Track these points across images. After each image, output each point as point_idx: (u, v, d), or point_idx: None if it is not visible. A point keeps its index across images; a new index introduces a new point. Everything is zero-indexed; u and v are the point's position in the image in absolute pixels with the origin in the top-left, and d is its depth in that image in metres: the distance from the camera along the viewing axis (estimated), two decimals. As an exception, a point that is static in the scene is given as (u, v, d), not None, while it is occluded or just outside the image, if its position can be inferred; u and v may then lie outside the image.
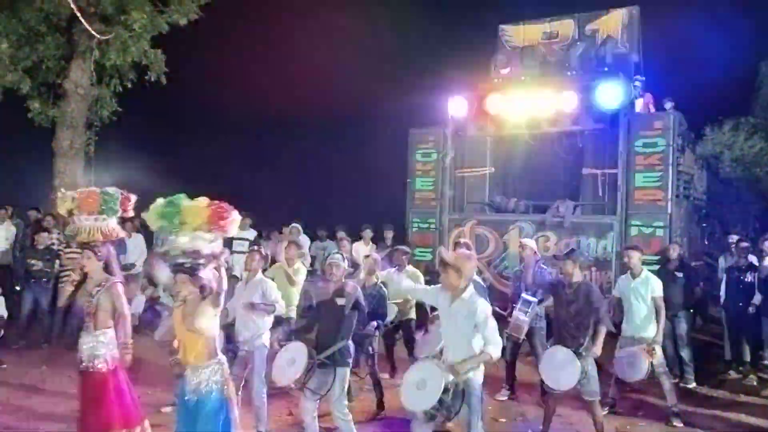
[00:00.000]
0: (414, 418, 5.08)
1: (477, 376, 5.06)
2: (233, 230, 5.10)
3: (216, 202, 4.99)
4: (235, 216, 5.08)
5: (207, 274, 4.76)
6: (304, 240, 12.09)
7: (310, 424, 5.77)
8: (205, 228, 4.84)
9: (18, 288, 10.36)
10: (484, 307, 5.02)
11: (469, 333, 4.99)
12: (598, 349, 6.13)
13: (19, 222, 11.63)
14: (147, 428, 5.40)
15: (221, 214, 4.91)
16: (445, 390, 4.73)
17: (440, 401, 4.72)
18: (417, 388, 4.86)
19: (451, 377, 4.81)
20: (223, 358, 4.80)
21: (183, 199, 4.90)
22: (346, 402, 5.80)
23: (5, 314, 9.62)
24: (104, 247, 5.43)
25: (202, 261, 4.77)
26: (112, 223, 5.52)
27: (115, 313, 5.31)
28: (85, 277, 5.46)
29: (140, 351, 9.20)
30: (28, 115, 12.40)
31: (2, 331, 9.47)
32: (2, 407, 7.17)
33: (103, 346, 5.24)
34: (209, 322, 4.68)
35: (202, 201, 4.94)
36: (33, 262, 10.01)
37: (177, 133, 18.58)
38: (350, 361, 5.82)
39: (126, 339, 5.33)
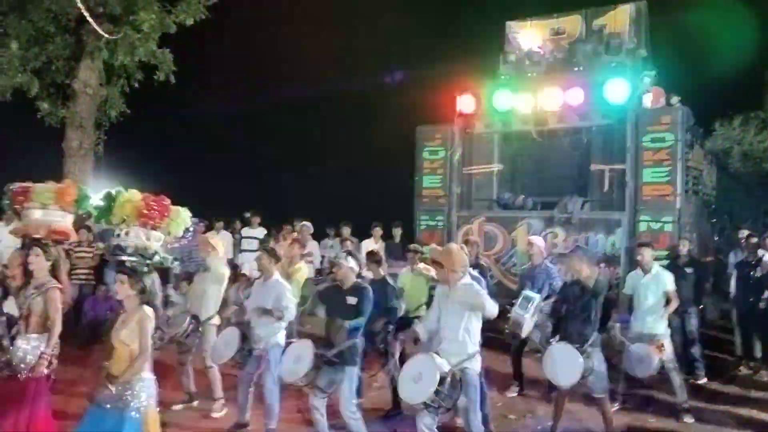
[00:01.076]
0: (418, 411, 5.13)
1: (474, 366, 5.18)
2: (176, 229, 5.02)
3: (150, 195, 4.92)
4: (177, 213, 4.95)
5: (149, 279, 4.59)
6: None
7: (319, 421, 5.80)
8: (134, 222, 4.78)
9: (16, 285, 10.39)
10: (476, 288, 5.27)
11: (461, 318, 5.15)
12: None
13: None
14: None
15: (155, 208, 4.81)
16: (442, 381, 4.82)
17: (437, 392, 4.80)
18: (414, 382, 4.96)
19: (446, 368, 4.90)
20: (148, 377, 4.52)
21: (120, 192, 4.86)
22: (355, 401, 5.81)
23: (17, 313, 9.69)
24: (55, 249, 5.15)
25: (148, 263, 4.69)
26: (65, 222, 5.26)
27: (47, 320, 4.99)
28: (30, 276, 5.15)
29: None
30: (38, 115, 12.47)
31: (14, 330, 9.54)
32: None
33: (32, 353, 4.92)
34: (135, 334, 4.42)
35: (135, 193, 4.88)
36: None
37: (185, 133, 18.64)
38: (359, 359, 5.84)
39: (48, 348, 4.94)
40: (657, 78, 11.65)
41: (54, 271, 5.12)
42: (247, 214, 12.94)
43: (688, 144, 10.11)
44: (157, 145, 17.44)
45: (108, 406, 4.36)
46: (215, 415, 7.01)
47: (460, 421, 6.13)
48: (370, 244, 11.40)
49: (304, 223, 11.80)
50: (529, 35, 12.04)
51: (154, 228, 4.85)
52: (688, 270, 8.69)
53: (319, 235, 12.71)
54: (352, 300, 5.83)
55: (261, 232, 12.62)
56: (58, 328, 5.00)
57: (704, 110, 12.99)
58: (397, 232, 11.94)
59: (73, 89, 12.50)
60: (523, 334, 7.25)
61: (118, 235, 4.85)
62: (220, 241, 10.88)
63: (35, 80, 12.02)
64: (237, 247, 12.66)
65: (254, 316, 6.51)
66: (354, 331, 5.78)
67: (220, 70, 18.99)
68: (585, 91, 10.36)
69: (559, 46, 11.65)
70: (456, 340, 5.16)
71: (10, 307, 9.42)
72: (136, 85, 13.07)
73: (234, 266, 11.84)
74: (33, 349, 4.93)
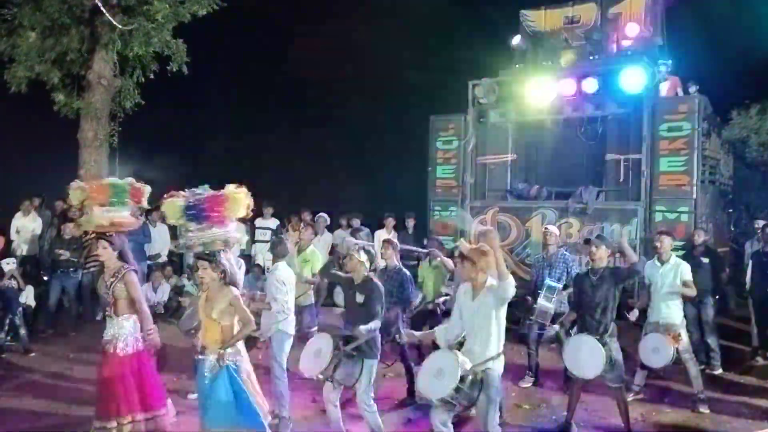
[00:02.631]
0: (433, 406, 5.10)
1: (497, 367, 5.07)
2: (240, 211, 5.20)
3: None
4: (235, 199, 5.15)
5: (226, 259, 5.05)
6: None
7: (332, 412, 5.81)
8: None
9: (45, 278, 10.52)
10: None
11: (488, 320, 5.03)
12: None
13: (46, 213, 11.81)
14: (168, 412, 5.51)
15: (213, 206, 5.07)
16: (463, 379, 4.76)
17: (457, 390, 4.74)
18: (434, 377, 4.89)
19: (468, 366, 4.83)
20: (241, 347, 5.11)
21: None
22: (372, 393, 5.81)
23: (33, 303, 9.80)
24: (118, 237, 5.47)
25: (221, 247, 5.04)
26: (125, 214, 5.54)
27: (132, 300, 5.37)
28: (102, 266, 5.55)
29: (165, 338, 9.39)
30: (54, 107, 12.53)
31: (31, 320, 9.65)
32: (30, 394, 7.31)
33: (125, 331, 5.32)
34: (226, 310, 4.95)
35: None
36: (60, 251, 10.16)
37: (199, 123, 18.69)
38: (377, 352, 5.82)
39: (147, 324, 5.37)
40: (673, 66, 11.55)
41: (122, 257, 5.47)
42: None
43: (705, 133, 10.02)
44: (171, 136, 17.48)
45: (208, 374, 4.95)
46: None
47: (473, 412, 6.12)
48: (382, 235, 11.41)
49: (321, 214, 11.83)
50: (543, 23, 11.95)
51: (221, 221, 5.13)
52: (704, 260, 8.62)
53: (332, 226, 12.74)
54: (359, 298, 5.81)
55: (273, 222, 12.65)
56: (143, 304, 5.44)
57: (721, 99, 12.84)
58: (410, 223, 11.91)
59: (88, 80, 12.54)
60: (548, 324, 7.26)
61: (189, 231, 5.05)
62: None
63: (55, 70, 12.08)
64: (250, 238, 12.69)
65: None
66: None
67: (234, 60, 18.97)
68: (600, 80, 10.29)
69: (574, 34, 11.55)
70: (481, 341, 5.04)
71: (27, 298, 9.61)
72: (151, 76, 13.09)
73: (247, 257, 11.89)
74: (124, 329, 5.32)
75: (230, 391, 4.90)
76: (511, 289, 4.93)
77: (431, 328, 8.07)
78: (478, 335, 5.09)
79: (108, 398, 5.22)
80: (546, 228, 8.44)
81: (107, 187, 5.49)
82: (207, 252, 4.98)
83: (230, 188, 5.21)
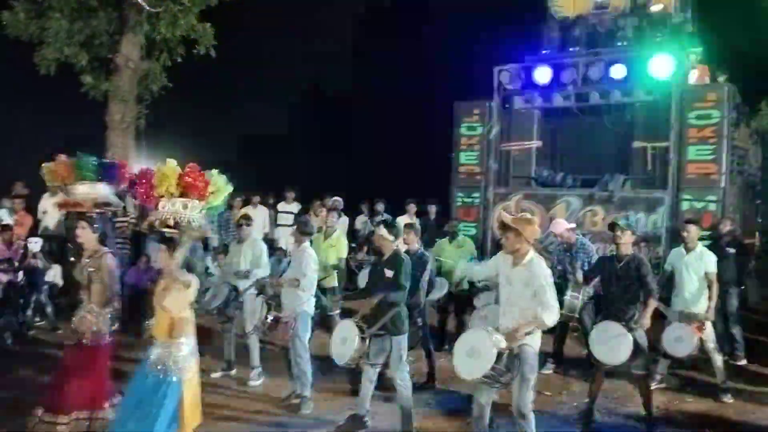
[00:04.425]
0: (474, 387, 5.09)
1: (533, 344, 4.96)
2: (217, 200, 5.00)
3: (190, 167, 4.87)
4: (215, 185, 4.94)
5: (189, 247, 4.69)
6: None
7: (366, 387, 5.88)
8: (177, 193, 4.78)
9: (72, 258, 10.62)
10: (544, 272, 4.93)
11: (526, 299, 4.91)
12: (647, 321, 6.01)
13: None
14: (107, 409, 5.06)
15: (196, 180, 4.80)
16: (499, 357, 4.69)
17: (494, 368, 4.69)
18: (468, 357, 4.83)
19: (503, 344, 4.74)
20: (188, 341, 4.64)
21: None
22: (407, 368, 5.85)
23: (61, 282, 9.94)
24: (99, 218, 5.27)
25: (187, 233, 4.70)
26: (104, 192, 5.33)
27: (106, 287, 5.11)
28: (81, 248, 5.26)
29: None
30: (82, 89, 12.65)
31: (58, 299, 9.80)
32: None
33: (95, 321, 5.05)
34: (177, 301, 4.55)
35: (172, 167, 4.81)
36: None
37: (225, 108, 18.76)
38: (403, 328, 5.81)
39: (107, 309, 5.09)
40: (703, 54, 11.37)
41: (102, 240, 5.24)
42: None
43: (734, 122, 9.87)
44: (198, 120, 17.58)
45: (150, 370, 4.53)
46: (252, 383, 7.13)
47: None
48: (404, 221, 11.40)
49: (336, 198, 11.85)
50: (572, 9, 11.80)
51: (200, 199, 4.87)
52: (730, 250, 8.49)
53: (354, 212, 12.77)
54: (388, 273, 5.80)
55: (296, 207, 12.70)
56: (113, 290, 5.15)
57: (750, 89, 12.62)
58: (432, 209, 11.87)
59: (115, 63, 12.64)
60: (575, 317, 7.21)
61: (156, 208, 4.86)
62: (258, 215, 11.09)
63: (83, 52, 12.19)
64: (273, 222, 12.77)
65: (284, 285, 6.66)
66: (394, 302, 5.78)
67: (261, 44, 19.00)
68: (628, 67, 10.16)
69: (602, 20, 11.41)
70: (515, 317, 4.93)
71: (54, 276, 9.75)
72: (178, 59, 13.16)
73: (270, 240, 11.96)
74: (96, 316, 5.05)
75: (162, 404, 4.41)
76: (550, 321, 4.88)
77: (457, 312, 8.13)
78: (509, 311, 5.00)
79: (79, 391, 4.92)
80: (549, 230, 8.36)
81: (71, 165, 5.30)
82: (168, 236, 4.65)
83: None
